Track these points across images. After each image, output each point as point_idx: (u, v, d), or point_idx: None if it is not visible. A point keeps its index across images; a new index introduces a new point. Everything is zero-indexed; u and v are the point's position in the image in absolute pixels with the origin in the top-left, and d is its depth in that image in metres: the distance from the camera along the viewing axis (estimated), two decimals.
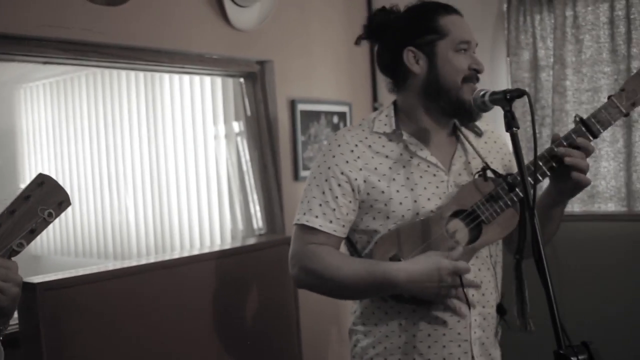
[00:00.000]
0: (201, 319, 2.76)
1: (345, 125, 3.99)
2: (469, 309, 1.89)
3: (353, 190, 1.95)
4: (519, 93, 1.75)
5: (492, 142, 2.12)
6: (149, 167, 4.66)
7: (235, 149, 3.73)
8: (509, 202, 1.92)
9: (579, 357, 1.50)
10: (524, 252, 1.92)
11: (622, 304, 3.27)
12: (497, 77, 3.90)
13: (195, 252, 3.13)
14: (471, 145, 2.03)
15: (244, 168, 3.71)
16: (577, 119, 1.93)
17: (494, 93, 1.83)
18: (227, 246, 3.31)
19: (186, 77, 4.12)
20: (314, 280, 1.96)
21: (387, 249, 1.90)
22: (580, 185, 1.91)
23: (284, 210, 3.59)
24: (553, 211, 2.01)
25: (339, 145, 1.99)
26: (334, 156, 1.98)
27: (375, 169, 1.96)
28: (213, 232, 4.22)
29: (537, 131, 3.73)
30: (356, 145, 1.97)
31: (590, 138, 1.92)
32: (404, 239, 1.90)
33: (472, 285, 1.86)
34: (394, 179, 1.95)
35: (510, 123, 1.71)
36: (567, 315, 3.12)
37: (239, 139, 3.72)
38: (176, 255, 3.09)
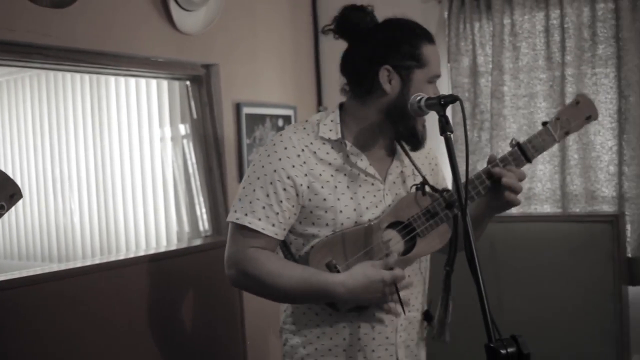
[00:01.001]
0: (146, 320, 2.78)
1: None
2: (403, 310, 1.94)
3: (297, 195, 1.95)
4: (452, 99, 1.82)
5: (424, 157, 2.18)
6: (94, 169, 4.66)
7: (181, 152, 3.75)
8: (443, 218, 1.99)
9: (508, 350, 1.57)
10: (454, 264, 2.01)
11: (557, 300, 3.41)
12: (438, 82, 3.99)
13: (141, 253, 3.13)
14: (411, 160, 2.07)
15: (190, 170, 3.73)
16: (514, 142, 2.03)
17: (429, 98, 1.89)
18: (173, 247, 3.35)
19: (132, 80, 4.13)
20: (252, 285, 1.98)
21: (323, 255, 1.92)
22: (510, 205, 2.01)
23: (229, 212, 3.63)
24: (482, 222, 2.11)
25: (286, 148, 1.96)
26: (280, 159, 1.95)
27: (320, 175, 1.97)
28: (159, 234, 4.24)
29: (476, 135, 3.86)
30: (302, 150, 1.97)
31: (525, 162, 2.02)
32: (340, 246, 1.93)
33: (405, 287, 1.92)
34: (335, 187, 1.97)
35: (444, 127, 1.77)
36: (506, 311, 3.32)
37: (185, 141, 3.74)
38: (121, 256, 3.10)
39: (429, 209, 1.98)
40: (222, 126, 3.60)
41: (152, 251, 3.33)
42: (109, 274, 2.68)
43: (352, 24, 2.05)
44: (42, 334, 2.36)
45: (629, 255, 3.54)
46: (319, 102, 4.38)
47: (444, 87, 3.95)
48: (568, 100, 3.61)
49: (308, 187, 1.95)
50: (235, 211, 1.97)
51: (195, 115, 3.63)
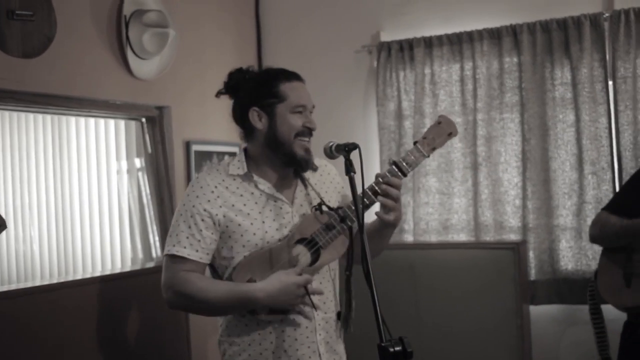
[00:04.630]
0: (99, 337, 3.06)
1: None
2: (315, 310, 2.32)
3: (214, 223, 2.28)
4: (354, 146, 2.24)
5: (327, 174, 2.51)
6: (54, 200, 4.89)
7: (136, 184, 4.06)
8: (340, 230, 2.32)
9: (395, 349, 1.87)
10: (352, 269, 2.37)
11: (468, 317, 3.86)
12: (368, 124, 4.47)
13: (97, 274, 3.41)
14: (309, 184, 2.43)
15: (144, 201, 4.04)
16: (390, 161, 2.39)
17: (338, 145, 2.29)
18: (128, 268, 3.63)
19: (92, 119, 4.45)
20: (186, 302, 2.32)
21: (244, 273, 2.26)
22: (388, 210, 2.31)
23: None
24: (387, 231, 2.44)
25: (201, 187, 2.31)
26: (197, 196, 2.30)
27: (233, 205, 2.30)
28: (114, 260, 4.51)
29: None
30: (216, 187, 2.31)
31: (401, 176, 2.34)
32: (257, 264, 2.27)
33: (316, 292, 2.31)
34: (248, 214, 2.30)
35: (348, 169, 2.19)
36: (424, 326, 3.74)
37: (140, 174, 4.06)
38: (78, 277, 3.35)
39: (327, 224, 2.34)
40: (173, 162, 3.97)
41: (107, 272, 3.62)
42: (65, 292, 2.95)
43: (233, 83, 2.46)
44: None
45: (531, 278, 3.99)
46: None
47: (373, 129, 4.41)
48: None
49: (224, 216, 2.29)
50: (167, 245, 2.32)
51: (150, 150, 3.97)
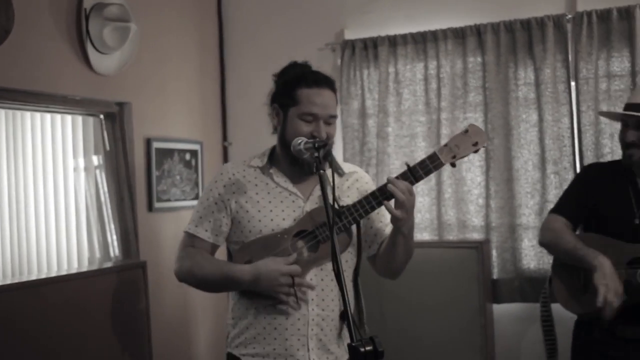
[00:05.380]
0: (56, 338, 3.00)
1: (196, 162, 4.39)
2: (297, 302, 2.33)
3: (226, 208, 2.45)
4: (323, 143, 2.23)
5: (354, 180, 2.53)
6: (7, 198, 4.78)
7: (94, 181, 3.99)
8: (342, 228, 2.34)
9: (366, 348, 1.84)
10: (360, 269, 2.46)
11: (433, 316, 3.87)
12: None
13: (53, 274, 3.34)
14: (322, 184, 2.25)
15: (102, 199, 3.96)
16: (407, 165, 2.33)
17: (307, 142, 2.27)
18: (84, 269, 3.57)
19: (48, 115, 4.34)
20: (187, 275, 2.49)
21: (244, 255, 2.39)
22: (395, 217, 2.30)
23: (138, 239, 3.91)
24: (396, 239, 2.40)
25: (221, 174, 2.50)
26: (216, 181, 2.49)
27: (245, 192, 2.44)
28: (71, 259, 4.43)
29: (365, 170, 4.27)
30: (233, 174, 2.47)
31: (413, 181, 2.28)
32: (257, 248, 2.37)
33: (303, 285, 2.31)
34: (258, 202, 2.42)
35: (318, 166, 2.16)
36: (388, 325, 3.72)
37: (97, 172, 3.98)
38: (32, 277, 3.30)
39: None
40: (133, 159, 3.90)
41: (64, 272, 3.55)
42: (19, 293, 2.90)
43: (279, 73, 2.49)
44: None
45: (494, 277, 4.02)
46: (224, 137, 4.74)
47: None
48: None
49: (235, 202, 2.44)
50: (188, 223, 2.53)
51: (108, 148, 3.89)
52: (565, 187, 3.58)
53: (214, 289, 2.69)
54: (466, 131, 2.34)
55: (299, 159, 2.35)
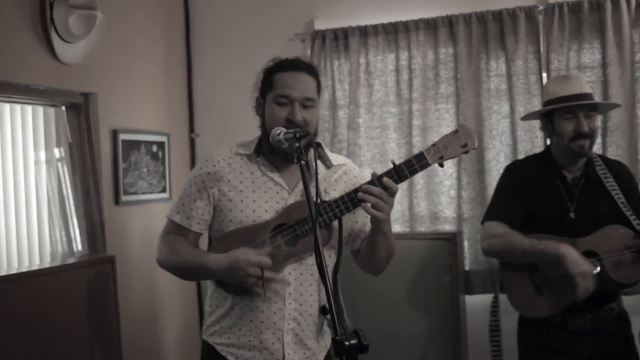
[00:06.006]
0: (23, 337, 2.91)
1: (163, 154, 4.30)
2: (265, 294, 2.27)
3: (209, 196, 2.40)
4: (304, 133, 2.16)
5: (342, 173, 2.47)
6: None
7: (56, 175, 3.88)
8: (322, 223, 2.26)
9: (351, 342, 1.85)
10: (340, 266, 2.40)
11: (405, 308, 3.86)
12: None
13: (13, 271, 3.23)
14: (303, 176, 2.21)
15: (65, 192, 3.86)
16: (392, 162, 2.26)
17: (286, 132, 2.19)
18: (54, 264, 3.45)
19: (7, 105, 4.21)
20: (164, 261, 2.45)
21: (222, 245, 2.34)
22: (374, 219, 2.26)
23: (105, 232, 3.81)
24: (375, 239, 2.36)
25: (206, 160, 2.45)
26: (200, 168, 2.45)
27: (229, 181, 2.39)
28: (32, 254, 4.31)
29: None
30: (218, 162, 2.42)
31: (398, 180, 2.23)
32: (236, 238, 2.32)
33: (273, 280, 2.25)
34: (241, 191, 2.38)
35: (299, 157, 2.10)
36: (361, 317, 3.69)
37: (59, 164, 3.87)
38: None
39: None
40: (99, 151, 3.80)
41: (24, 269, 3.43)
42: None
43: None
44: None
45: (466, 268, 4.01)
46: (191, 129, 4.65)
47: None
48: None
49: (219, 190, 2.40)
50: (170, 209, 2.49)
51: (70, 140, 3.78)
52: None
53: (189, 277, 2.68)
54: (456, 132, 2.28)
55: (278, 150, 2.31)
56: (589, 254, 2.89)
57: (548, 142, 3.86)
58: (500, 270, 3.14)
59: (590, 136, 2.91)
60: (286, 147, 2.23)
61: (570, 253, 2.81)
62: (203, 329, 2.50)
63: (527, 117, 3.36)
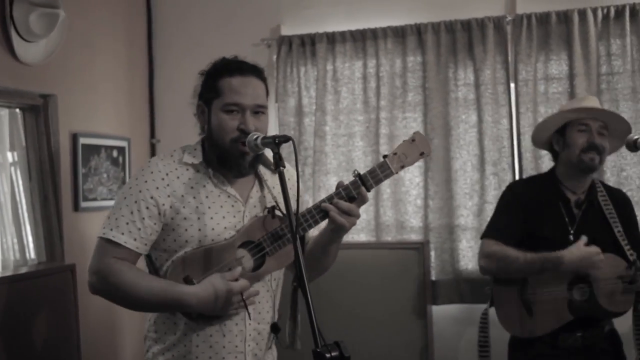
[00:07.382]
0: None
1: (123, 159, 4.18)
2: (249, 315, 2.16)
3: (159, 213, 2.13)
4: (285, 138, 2.04)
5: (286, 180, 2.32)
6: None
7: (8, 179, 3.71)
8: (290, 239, 2.07)
9: (332, 354, 1.75)
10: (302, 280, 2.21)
11: (372, 317, 3.81)
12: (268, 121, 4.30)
13: None
14: (266, 185, 2.27)
15: (17, 198, 3.70)
16: (356, 173, 2.22)
17: (265, 137, 2.10)
18: (5, 273, 3.31)
19: None
20: (111, 291, 2.12)
21: (181, 270, 2.11)
22: (340, 229, 2.20)
23: (63, 240, 3.67)
24: (329, 248, 2.30)
25: (152, 172, 2.16)
26: (145, 181, 2.14)
27: (182, 196, 2.15)
28: None
29: (301, 169, 4.17)
30: (167, 174, 2.16)
31: (365, 190, 2.20)
32: (197, 262, 2.12)
33: (252, 300, 2.14)
34: (196, 207, 2.15)
35: (278, 163, 2.00)
36: (329, 327, 3.57)
37: (12, 169, 3.71)
38: None
39: (277, 230, 2.18)
40: (58, 155, 3.66)
41: None
42: None
43: (206, 71, 2.28)
44: None
45: (433, 278, 3.98)
46: (152, 134, 4.54)
47: (271, 126, 4.25)
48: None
49: (170, 206, 2.14)
50: (104, 227, 2.14)
51: (24, 143, 3.64)
52: (504, 188, 3.54)
53: (145, 310, 2.25)
54: (413, 140, 2.29)
55: (228, 161, 2.18)
56: (579, 279, 2.94)
57: (516, 151, 3.91)
58: (494, 288, 3.15)
59: (601, 152, 2.95)
60: (240, 159, 2.15)
61: (569, 251, 2.86)
62: (146, 356, 2.23)
63: (539, 127, 3.25)
